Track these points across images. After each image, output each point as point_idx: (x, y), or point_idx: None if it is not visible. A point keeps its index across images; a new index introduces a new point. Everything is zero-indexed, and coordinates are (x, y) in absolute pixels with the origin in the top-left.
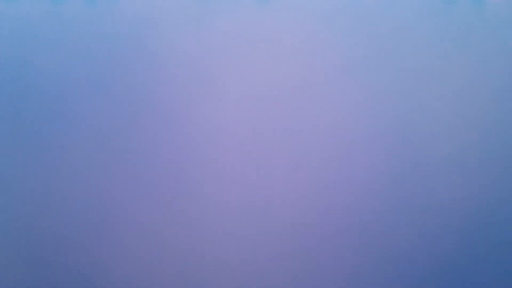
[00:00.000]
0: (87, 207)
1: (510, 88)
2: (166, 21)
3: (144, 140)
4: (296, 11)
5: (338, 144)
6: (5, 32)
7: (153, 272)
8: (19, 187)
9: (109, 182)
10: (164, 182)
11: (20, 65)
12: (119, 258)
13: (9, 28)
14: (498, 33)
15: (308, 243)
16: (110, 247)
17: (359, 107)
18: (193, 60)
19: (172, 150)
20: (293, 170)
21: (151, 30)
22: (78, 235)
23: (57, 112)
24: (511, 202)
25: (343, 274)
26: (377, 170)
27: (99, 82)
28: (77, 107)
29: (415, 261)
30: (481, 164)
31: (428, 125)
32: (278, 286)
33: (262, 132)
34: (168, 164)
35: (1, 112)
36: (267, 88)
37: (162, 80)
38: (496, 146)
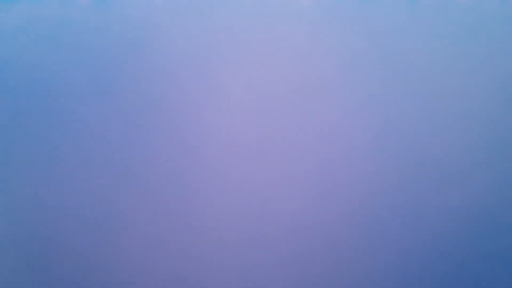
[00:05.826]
0: (84, 209)
1: None
2: (167, 19)
3: (146, 143)
4: (299, 9)
5: (343, 145)
6: (7, 32)
7: (152, 275)
8: (18, 187)
9: (108, 183)
10: (164, 184)
11: (22, 66)
12: (118, 261)
13: (11, 28)
14: (499, 31)
15: (312, 246)
16: (109, 250)
17: (363, 107)
18: (195, 60)
19: (173, 151)
20: (296, 170)
21: (151, 29)
22: (76, 237)
23: (58, 111)
24: None
25: (348, 276)
26: (381, 171)
27: (100, 82)
28: (77, 107)
29: (419, 263)
30: (484, 164)
31: (432, 125)
32: (281, 286)
33: (265, 132)
34: (168, 166)
35: (2, 112)
36: (270, 88)
37: (163, 80)
38: (502, 145)
